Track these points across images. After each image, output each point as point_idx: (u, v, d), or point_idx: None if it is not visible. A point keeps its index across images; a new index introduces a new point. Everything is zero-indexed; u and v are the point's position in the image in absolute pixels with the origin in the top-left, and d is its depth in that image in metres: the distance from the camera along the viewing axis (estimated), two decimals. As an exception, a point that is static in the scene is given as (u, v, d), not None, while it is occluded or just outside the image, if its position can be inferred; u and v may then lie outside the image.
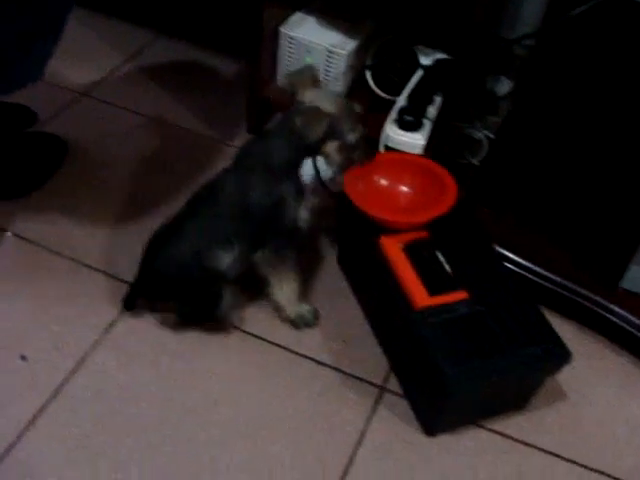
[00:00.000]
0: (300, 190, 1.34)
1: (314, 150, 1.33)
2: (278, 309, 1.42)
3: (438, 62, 1.53)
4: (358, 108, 1.35)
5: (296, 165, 1.33)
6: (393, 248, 1.35)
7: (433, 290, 1.30)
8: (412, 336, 1.30)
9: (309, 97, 1.31)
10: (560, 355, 1.27)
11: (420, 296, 1.29)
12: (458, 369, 1.21)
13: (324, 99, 1.31)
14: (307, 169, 1.53)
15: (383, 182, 1.45)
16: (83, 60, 1.95)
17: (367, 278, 1.47)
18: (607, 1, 1.29)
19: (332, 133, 1.29)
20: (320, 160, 1.37)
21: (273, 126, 1.37)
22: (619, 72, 1.36)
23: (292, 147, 1.30)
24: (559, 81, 1.42)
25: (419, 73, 1.54)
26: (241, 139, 1.77)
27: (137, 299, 1.38)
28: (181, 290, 1.35)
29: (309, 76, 1.34)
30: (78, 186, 1.64)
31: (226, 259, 1.32)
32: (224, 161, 1.63)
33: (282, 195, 1.31)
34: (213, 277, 1.32)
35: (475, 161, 1.77)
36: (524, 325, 1.30)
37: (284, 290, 1.40)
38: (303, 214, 1.35)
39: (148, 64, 2.00)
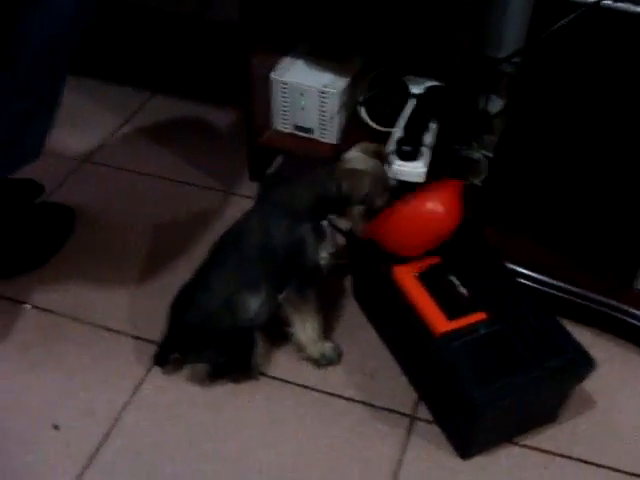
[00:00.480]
0: (320, 231, 1.36)
1: (337, 209, 1.36)
2: (300, 349, 1.43)
3: (429, 89, 1.56)
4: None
5: (317, 214, 1.36)
6: (407, 277, 1.37)
7: (451, 314, 1.32)
8: (435, 363, 1.31)
9: (348, 157, 1.35)
10: (584, 363, 1.28)
11: (439, 322, 1.31)
12: (485, 391, 1.22)
13: (362, 162, 1.35)
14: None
15: None
16: (81, 127, 1.99)
17: (384, 309, 1.49)
18: (588, 12, 1.32)
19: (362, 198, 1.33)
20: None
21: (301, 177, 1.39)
22: (608, 78, 1.38)
23: (317, 199, 1.34)
24: (550, 93, 1.44)
25: (411, 102, 1.57)
26: (245, 187, 1.81)
27: (169, 355, 1.39)
28: (213, 341, 1.36)
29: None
30: (90, 251, 1.66)
31: (254, 303, 1.34)
32: (231, 211, 1.69)
33: (302, 234, 1.33)
34: (243, 323, 1.34)
35: (477, 181, 1.79)
36: (545, 338, 1.31)
37: (306, 329, 1.41)
38: (323, 254, 1.37)
39: (146, 124, 2.04)
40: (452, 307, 1.33)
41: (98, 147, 1.96)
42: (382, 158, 1.39)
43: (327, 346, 1.44)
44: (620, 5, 1.32)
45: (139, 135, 2.01)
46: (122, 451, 1.31)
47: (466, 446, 1.32)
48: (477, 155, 1.84)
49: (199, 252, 1.45)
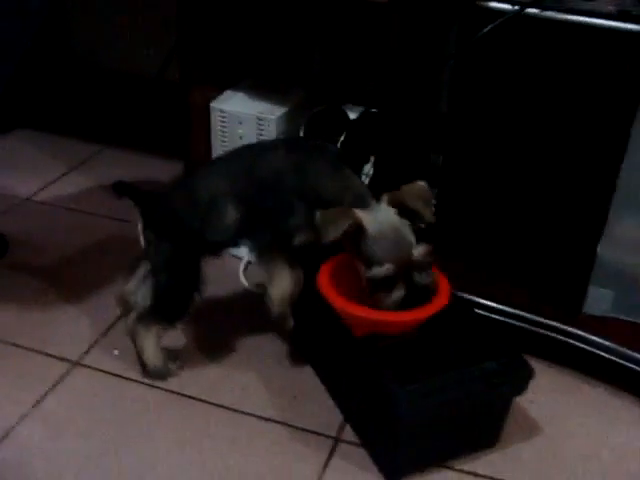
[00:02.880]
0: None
1: None
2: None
3: (363, 114, 1.53)
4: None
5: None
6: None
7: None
8: (357, 364, 1.20)
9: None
10: (520, 369, 1.17)
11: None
12: (408, 388, 1.10)
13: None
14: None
15: None
16: (28, 173, 1.98)
17: (310, 320, 1.38)
18: (515, 20, 1.31)
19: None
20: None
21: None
22: (539, 83, 1.36)
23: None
24: (483, 103, 1.41)
25: (348, 127, 1.54)
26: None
27: (129, 193, 1.30)
28: (174, 230, 1.27)
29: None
30: (16, 276, 1.61)
31: (231, 216, 1.25)
32: None
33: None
34: (213, 234, 1.27)
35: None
36: (478, 343, 1.21)
37: (275, 286, 1.29)
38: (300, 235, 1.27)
39: (93, 172, 2.03)
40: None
41: (41, 188, 1.94)
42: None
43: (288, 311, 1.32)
44: (545, 13, 1.32)
45: (85, 180, 1.99)
46: (9, 461, 1.18)
47: (392, 466, 1.18)
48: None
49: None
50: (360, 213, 1.17)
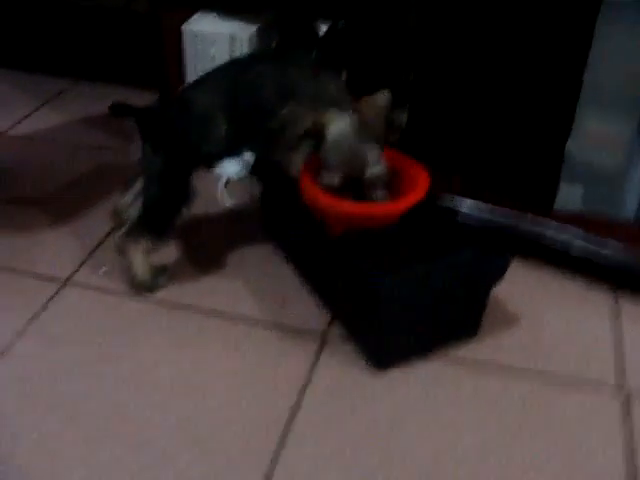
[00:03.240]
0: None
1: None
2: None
3: (330, 28, 1.55)
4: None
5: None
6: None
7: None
8: (337, 261, 1.25)
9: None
10: (497, 256, 1.22)
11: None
12: (387, 276, 1.15)
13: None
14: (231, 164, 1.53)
15: None
16: None
17: (290, 229, 1.44)
18: None
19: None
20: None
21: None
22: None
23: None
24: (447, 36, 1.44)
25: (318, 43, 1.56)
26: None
27: (126, 111, 1.33)
28: (169, 139, 1.30)
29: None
30: (1, 205, 1.63)
31: (221, 130, 1.29)
32: None
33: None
34: (207, 146, 1.30)
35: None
36: (454, 237, 1.26)
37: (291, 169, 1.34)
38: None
39: (64, 105, 2.03)
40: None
41: (16, 123, 1.95)
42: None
43: None
44: None
45: (58, 114, 1.99)
46: (10, 374, 1.21)
47: (379, 355, 1.23)
48: (398, 121, 1.83)
49: (108, 207, 1.49)
50: (327, 116, 1.22)
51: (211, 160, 1.40)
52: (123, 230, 1.37)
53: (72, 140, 1.88)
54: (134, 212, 1.38)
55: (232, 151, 1.37)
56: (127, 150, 1.79)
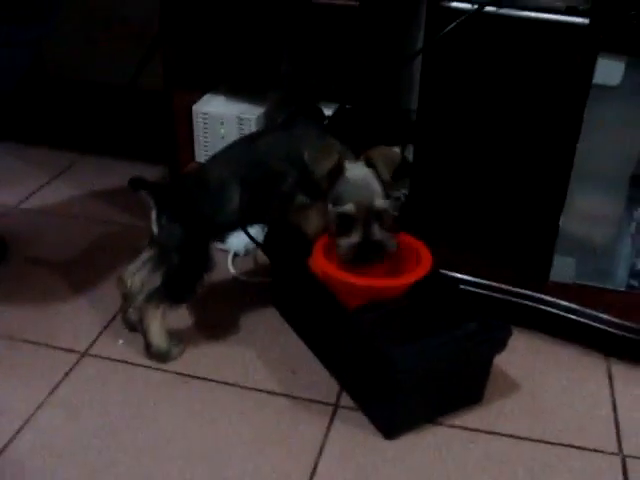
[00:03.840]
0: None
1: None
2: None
3: (339, 109, 1.65)
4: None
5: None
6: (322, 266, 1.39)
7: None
8: (353, 334, 1.31)
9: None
10: (499, 328, 1.29)
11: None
12: (402, 349, 1.22)
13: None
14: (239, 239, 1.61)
15: None
16: (11, 183, 2.06)
17: (302, 299, 1.50)
18: (476, 17, 1.44)
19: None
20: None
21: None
22: (502, 76, 1.49)
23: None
24: (451, 94, 1.54)
25: (324, 122, 1.65)
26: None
27: (143, 185, 1.41)
28: (187, 213, 1.38)
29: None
30: (17, 277, 1.68)
31: (235, 200, 1.38)
32: None
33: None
34: (222, 217, 1.39)
35: (396, 213, 1.85)
36: (458, 309, 1.33)
37: (307, 231, 1.43)
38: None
39: (73, 179, 2.11)
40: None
41: (27, 197, 2.02)
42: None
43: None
44: (502, 11, 1.46)
45: (68, 187, 2.07)
46: (34, 444, 1.26)
47: (389, 424, 1.29)
48: (398, 194, 1.92)
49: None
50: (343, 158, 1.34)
51: (225, 230, 1.47)
52: (142, 297, 1.44)
53: (83, 213, 1.94)
54: (138, 280, 1.46)
55: (245, 222, 1.45)
56: (136, 224, 1.87)
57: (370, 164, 1.36)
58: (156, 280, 1.41)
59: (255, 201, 1.40)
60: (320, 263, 1.35)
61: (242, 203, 1.39)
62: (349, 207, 1.32)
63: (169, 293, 1.40)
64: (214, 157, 1.47)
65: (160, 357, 1.44)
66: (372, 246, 1.33)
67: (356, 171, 1.35)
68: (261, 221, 1.50)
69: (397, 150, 1.40)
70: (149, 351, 1.43)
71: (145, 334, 1.42)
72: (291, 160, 1.38)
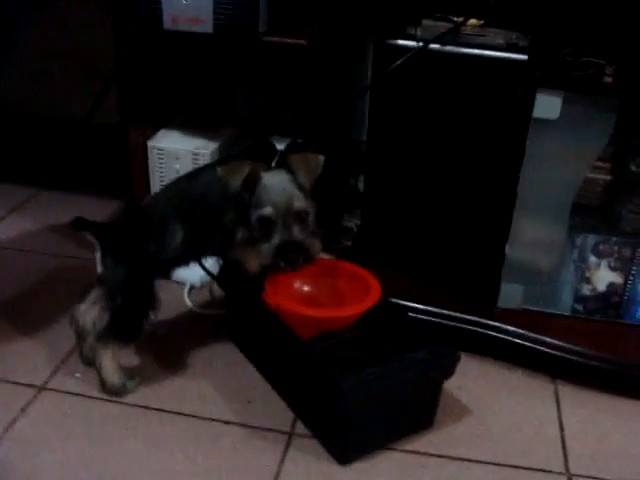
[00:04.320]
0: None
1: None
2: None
3: (290, 144, 1.69)
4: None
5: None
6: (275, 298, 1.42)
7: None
8: (304, 364, 1.35)
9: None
10: (447, 354, 1.34)
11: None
12: (351, 378, 1.25)
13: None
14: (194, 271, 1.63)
15: (305, 288, 1.48)
16: None
17: (256, 330, 1.53)
18: (421, 54, 1.51)
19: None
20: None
21: None
22: (445, 108, 1.55)
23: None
24: (397, 127, 1.60)
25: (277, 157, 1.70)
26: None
27: (83, 226, 1.43)
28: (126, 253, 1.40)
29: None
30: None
31: (178, 238, 1.40)
32: None
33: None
34: (164, 253, 1.41)
35: (349, 243, 1.90)
36: (408, 338, 1.38)
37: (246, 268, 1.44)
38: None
39: (30, 214, 2.12)
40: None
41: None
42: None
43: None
44: (446, 48, 1.52)
45: (24, 222, 2.08)
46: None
47: (343, 451, 1.32)
48: (350, 224, 1.97)
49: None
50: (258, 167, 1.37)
51: (169, 267, 1.51)
52: (93, 336, 1.46)
53: (39, 248, 1.96)
54: (89, 319, 1.47)
55: (189, 258, 1.48)
56: (91, 260, 1.88)
57: (290, 170, 1.39)
58: (105, 319, 1.43)
59: (197, 236, 1.43)
60: (273, 297, 1.38)
61: (184, 240, 1.41)
62: (267, 210, 1.35)
63: (116, 333, 1.42)
64: (156, 195, 1.50)
65: (116, 392, 1.45)
66: (293, 247, 1.36)
67: (274, 177, 1.38)
68: (204, 256, 1.53)
69: (319, 156, 1.41)
70: (105, 388, 1.45)
71: (99, 372, 1.44)
72: (227, 195, 1.38)
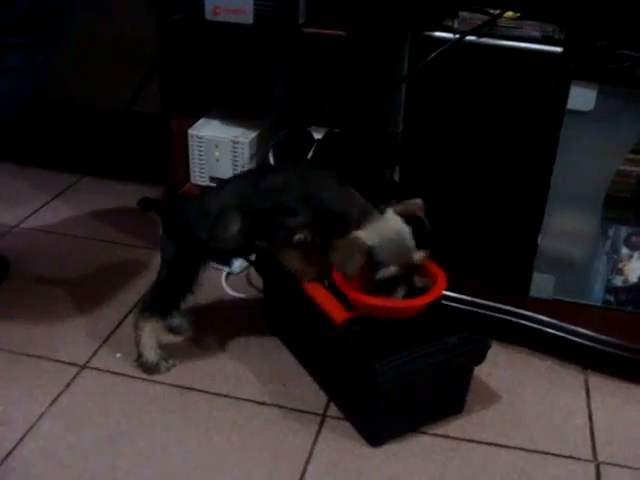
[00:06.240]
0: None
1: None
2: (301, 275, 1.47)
3: (327, 134, 1.73)
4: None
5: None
6: (311, 284, 1.46)
7: (351, 307, 1.41)
8: (339, 347, 1.38)
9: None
10: (478, 340, 1.36)
11: (339, 313, 1.39)
12: (384, 361, 1.28)
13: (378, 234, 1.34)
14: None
15: None
16: (11, 203, 2.14)
17: (291, 315, 1.57)
18: (456, 46, 1.53)
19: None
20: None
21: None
22: (481, 101, 1.57)
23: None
24: (433, 117, 1.62)
25: (314, 146, 1.73)
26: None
27: (150, 205, 1.50)
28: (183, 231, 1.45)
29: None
30: (19, 295, 1.74)
31: (234, 227, 1.42)
32: (151, 264, 1.85)
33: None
34: (218, 242, 1.44)
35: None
36: (442, 322, 1.40)
37: (298, 275, 1.45)
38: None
39: (72, 199, 2.18)
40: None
41: (27, 216, 2.09)
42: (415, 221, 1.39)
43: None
44: (482, 40, 1.54)
45: (67, 207, 2.14)
46: (36, 451, 1.32)
47: (375, 433, 1.36)
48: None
49: (120, 297, 1.72)
50: (364, 232, 1.33)
51: (220, 255, 1.55)
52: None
53: (82, 233, 2.01)
54: None
55: (241, 250, 1.52)
56: (135, 244, 1.96)
57: (404, 215, 1.37)
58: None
59: (254, 230, 1.44)
60: (353, 293, 1.39)
61: (242, 231, 1.43)
62: (393, 270, 1.33)
63: (156, 305, 1.48)
64: (217, 187, 1.54)
65: (148, 369, 1.51)
66: (414, 294, 1.38)
67: (386, 230, 1.35)
68: (255, 250, 1.56)
69: (418, 201, 1.41)
70: (139, 361, 1.51)
71: (137, 345, 1.50)
72: (306, 200, 1.38)
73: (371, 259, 1.32)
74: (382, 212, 1.37)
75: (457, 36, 1.54)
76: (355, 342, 1.34)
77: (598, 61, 1.42)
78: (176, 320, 1.58)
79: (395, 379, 1.29)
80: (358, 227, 1.34)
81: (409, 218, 1.38)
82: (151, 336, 1.49)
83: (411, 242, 1.36)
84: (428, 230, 1.39)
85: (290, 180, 1.41)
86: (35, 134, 2.45)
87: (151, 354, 1.50)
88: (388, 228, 1.35)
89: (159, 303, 1.49)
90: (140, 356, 1.50)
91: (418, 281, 1.38)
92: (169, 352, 1.54)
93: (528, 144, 1.54)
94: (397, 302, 1.36)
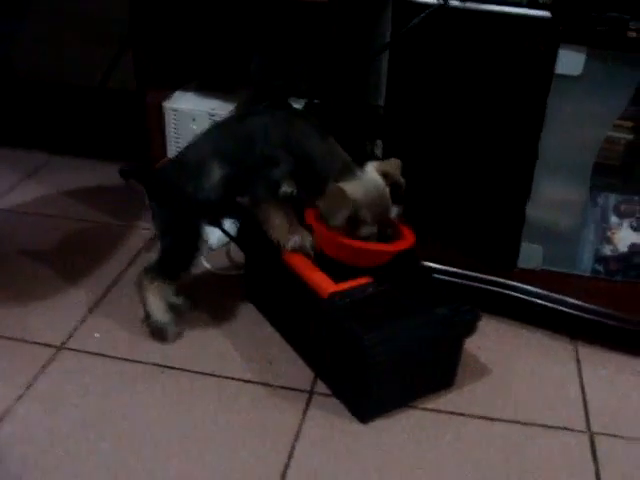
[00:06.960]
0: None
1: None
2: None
3: (307, 104, 1.68)
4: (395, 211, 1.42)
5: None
6: (295, 257, 1.42)
7: (338, 279, 1.36)
8: (325, 319, 1.34)
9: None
10: (468, 312, 1.33)
11: (326, 285, 1.35)
12: (373, 334, 1.25)
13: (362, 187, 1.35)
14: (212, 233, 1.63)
15: None
16: None
17: (275, 292, 1.53)
18: (440, 11, 1.48)
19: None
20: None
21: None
22: (464, 69, 1.53)
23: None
24: (417, 85, 1.58)
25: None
26: (143, 219, 1.87)
27: (132, 174, 1.46)
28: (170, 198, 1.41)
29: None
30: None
31: (216, 174, 1.37)
32: (133, 240, 1.82)
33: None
34: (201, 194, 1.39)
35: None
36: (430, 294, 1.37)
37: (273, 234, 1.41)
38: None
39: (44, 179, 2.12)
40: (339, 274, 1.37)
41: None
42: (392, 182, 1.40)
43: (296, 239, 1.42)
44: (467, 5, 1.50)
45: (39, 187, 2.07)
46: (14, 435, 1.27)
47: (364, 408, 1.32)
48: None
49: (96, 275, 1.67)
50: (348, 186, 1.32)
51: (208, 209, 1.46)
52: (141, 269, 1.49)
53: (55, 212, 1.95)
54: None
55: (227, 202, 1.45)
56: (110, 222, 1.89)
57: (381, 173, 1.38)
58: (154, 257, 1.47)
59: (237, 180, 1.39)
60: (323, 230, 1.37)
61: (222, 179, 1.39)
62: (373, 228, 1.35)
63: (162, 269, 1.45)
64: (195, 137, 1.47)
65: (157, 330, 1.47)
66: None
67: (368, 186, 1.35)
68: (238, 210, 1.50)
69: (396, 160, 1.43)
70: (147, 323, 1.47)
71: (143, 305, 1.46)
72: (288, 147, 1.35)
73: (354, 214, 1.32)
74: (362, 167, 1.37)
75: (441, 1, 1.49)
76: (342, 315, 1.30)
77: (586, 24, 1.39)
78: (179, 299, 1.51)
79: (384, 352, 1.25)
80: (339, 180, 1.33)
81: (386, 176, 1.39)
82: (157, 296, 1.45)
83: (389, 199, 1.38)
84: (402, 189, 1.40)
85: (270, 124, 1.37)
86: (4, 112, 2.36)
87: (160, 314, 1.46)
88: (369, 183, 1.36)
89: (166, 268, 1.46)
90: (148, 316, 1.46)
91: (389, 232, 1.40)
92: (177, 317, 1.50)
93: (516, 111, 1.50)
94: (372, 245, 1.36)
